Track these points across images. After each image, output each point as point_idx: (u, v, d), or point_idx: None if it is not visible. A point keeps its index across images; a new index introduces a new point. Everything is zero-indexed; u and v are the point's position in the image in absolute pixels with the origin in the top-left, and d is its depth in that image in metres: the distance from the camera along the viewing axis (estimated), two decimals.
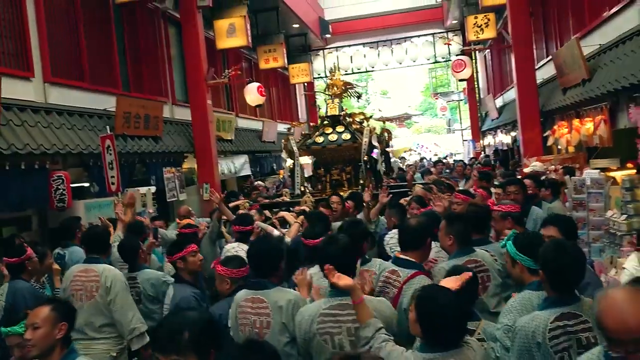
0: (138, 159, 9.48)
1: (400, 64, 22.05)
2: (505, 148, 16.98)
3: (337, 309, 3.01)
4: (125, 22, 10.26)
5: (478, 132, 21.52)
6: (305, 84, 21.62)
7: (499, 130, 17.56)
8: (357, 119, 8.75)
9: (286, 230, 6.03)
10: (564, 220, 3.85)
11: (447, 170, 13.37)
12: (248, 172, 14.80)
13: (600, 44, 8.16)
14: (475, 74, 21.66)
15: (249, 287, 3.52)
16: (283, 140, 9.04)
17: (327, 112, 8.89)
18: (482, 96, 21.24)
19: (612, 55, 7.61)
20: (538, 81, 11.31)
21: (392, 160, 11.32)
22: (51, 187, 7.17)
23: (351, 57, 22.19)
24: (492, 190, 6.62)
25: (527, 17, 10.61)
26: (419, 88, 56.78)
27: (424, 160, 22.76)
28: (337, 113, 8.75)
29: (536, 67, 11.40)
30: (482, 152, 20.35)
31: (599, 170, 6.66)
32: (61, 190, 7.22)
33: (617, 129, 7.55)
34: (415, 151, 32.27)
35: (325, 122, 8.75)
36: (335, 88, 8.84)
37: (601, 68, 7.89)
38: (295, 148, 8.49)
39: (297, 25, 18.80)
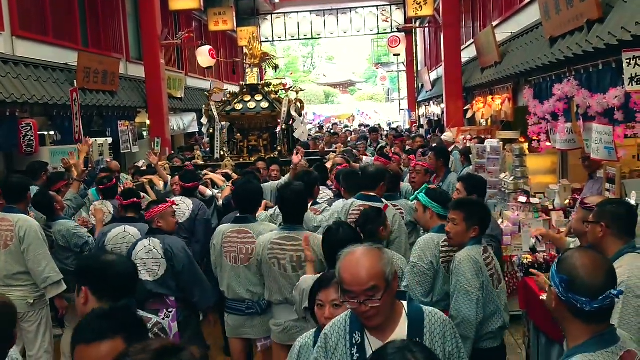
0: (96, 112, 10.21)
1: (345, 33, 23.01)
2: (436, 118, 18.39)
3: (284, 240, 3.76)
4: None
5: (414, 103, 22.85)
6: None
7: (431, 102, 18.93)
8: (276, 89, 9.06)
9: (217, 191, 6.48)
10: (472, 178, 4.81)
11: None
12: (195, 129, 15.60)
13: (512, 32, 9.47)
14: (414, 47, 22.94)
15: (235, 222, 4.17)
16: (204, 106, 9.24)
17: (246, 80, 9.12)
18: (419, 68, 22.53)
19: (519, 42, 8.92)
20: (464, 59, 12.60)
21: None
22: (20, 133, 7.89)
23: (298, 23, 22.94)
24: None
25: (456, 2, 11.81)
26: (364, 56, 57.57)
27: (362, 127, 23.94)
28: (255, 82, 8.96)
29: (463, 47, 12.69)
30: (417, 121, 21.76)
31: (498, 140, 8.00)
32: (29, 137, 7.94)
33: (517, 107, 8.94)
34: (354, 117, 33.59)
35: (244, 90, 8.92)
36: (253, 58, 9.09)
37: (509, 53, 9.21)
38: (215, 114, 8.71)
39: None
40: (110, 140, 10.24)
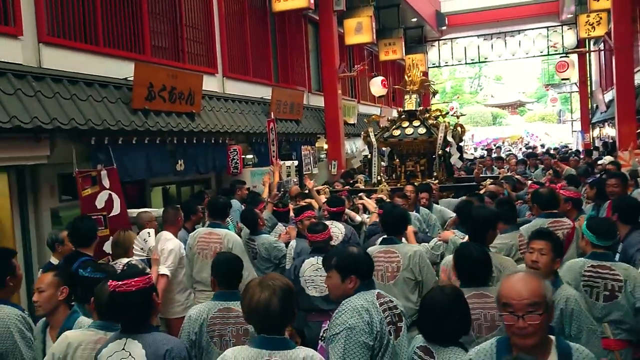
0: (284, 138, 11.80)
1: (513, 55, 23.05)
2: (612, 140, 17.75)
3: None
4: (277, 26, 12.58)
5: (588, 124, 22.10)
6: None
7: (606, 123, 18.31)
8: (434, 115, 9.22)
9: (367, 216, 6.74)
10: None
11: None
12: (367, 152, 16.79)
13: None
14: (588, 67, 22.25)
15: (382, 243, 4.49)
16: (363, 133, 9.48)
17: (404, 106, 9.30)
18: (593, 89, 21.78)
19: None
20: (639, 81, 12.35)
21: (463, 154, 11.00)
22: (229, 157, 9.59)
23: (465, 47, 23.48)
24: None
25: (629, 25, 11.69)
26: (534, 75, 55.57)
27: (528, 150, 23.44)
28: (414, 108, 9.13)
29: (638, 69, 12.43)
30: (592, 144, 21.02)
31: None
32: (235, 160, 9.64)
33: None
34: (523, 139, 32.91)
35: (403, 116, 9.16)
36: (412, 85, 9.25)
37: None
38: (373, 140, 8.98)
39: (415, 19, 20.46)
40: (296, 162, 11.75)
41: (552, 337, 2.26)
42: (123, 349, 2.69)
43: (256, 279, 2.62)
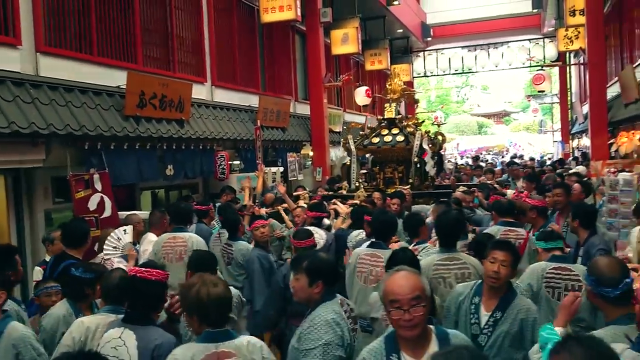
0: (270, 145, 12.18)
1: (496, 66, 23.66)
2: (588, 151, 18.31)
3: (446, 261, 4.05)
4: (265, 37, 12.99)
5: (568, 134, 22.67)
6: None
7: (584, 134, 18.86)
8: (412, 123, 9.34)
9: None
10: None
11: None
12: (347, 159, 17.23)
13: None
14: (569, 79, 22.87)
15: (370, 246, 4.57)
16: (342, 140, 9.64)
17: (384, 114, 9.46)
18: (573, 100, 22.38)
19: None
20: (613, 94, 12.87)
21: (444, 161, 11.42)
22: (216, 163, 9.94)
23: (449, 58, 24.06)
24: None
25: (602, 41, 12.21)
26: (520, 85, 56.28)
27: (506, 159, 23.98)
28: (393, 116, 9.28)
29: (611, 84, 12.96)
30: (572, 154, 21.60)
31: (632, 173, 8.50)
32: (222, 166, 9.98)
33: None
34: (508, 149, 33.54)
35: (382, 124, 9.33)
36: (393, 93, 9.45)
37: None
38: (353, 147, 9.12)
39: (400, 30, 20.93)
40: (281, 169, 12.12)
41: (432, 327, 2.48)
42: (120, 337, 2.89)
43: (198, 276, 2.77)
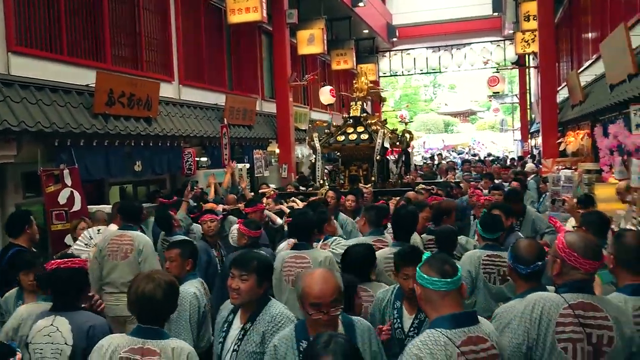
0: (237, 143, 12.55)
1: (459, 67, 24.45)
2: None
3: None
4: (232, 37, 13.34)
5: (527, 134, 23.52)
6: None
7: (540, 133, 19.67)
8: (372, 121, 9.39)
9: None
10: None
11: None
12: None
13: (595, 74, 10.51)
14: (528, 80, 23.73)
15: (294, 249, 4.47)
16: (307, 138, 9.67)
17: (350, 113, 9.50)
18: (532, 100, 23.23)
19: (599, 85, 9.99)
20: (564, 96, 13.60)
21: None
22: (183, 159, 10.28)
23: (414, 58, 24.74)
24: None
25: (552, 45, 12.92)
26: (485, 85, 57.39)
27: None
28: (359, 114, 9.31)
29: (562, 87, 13.69)
30: (531, 152, 22.44)
31: (572, 170, 9.17)
32: (189, 162, 10.33)
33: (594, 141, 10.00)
34: (472, 147, 34.47)
35: (348, 122, 9.40)
36: (359, 91, 9.49)
37: (592, 93, 10.28)
38: (318, 145, 9.13)
39: (366, 31, 21.45)
40: (248, 165, 12.50)
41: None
42: (52, 324, 3.01)
43: (145, 272, 2.87)
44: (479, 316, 2.44)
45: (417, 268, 2.50)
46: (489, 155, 24.46)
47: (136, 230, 5.37)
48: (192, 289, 3.80)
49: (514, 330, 2.51)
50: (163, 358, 2.58)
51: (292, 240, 4.83)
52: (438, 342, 2.26)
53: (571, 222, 6.58)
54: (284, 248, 4.94)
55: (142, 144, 9.07)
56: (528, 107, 23.56)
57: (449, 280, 2.38)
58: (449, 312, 2.36)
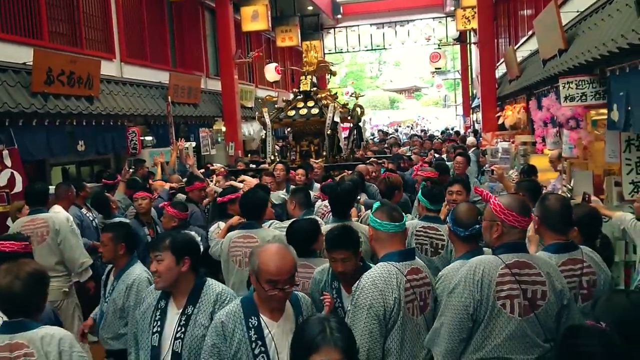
0: (182, 121, 12.45)
1: (403, 44, 24.75)
2: None
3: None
4: (174, 13, 13.13)
5: (469, 109, 24.15)
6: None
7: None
8: (322, 95, 9.24)
9: None
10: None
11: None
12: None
13: (530, 50, 10.94)
14: (469, 56, 24.29)
15: (242, 228, 4.38)
16: (257, 114, 9.50)
17: (299, 87, 9.27)
18: (474, 76, 23.83)
19: (533, 60, 10.42)
20: (504, 71, 14.06)
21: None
22: (127, 138, 10.14)
23: (359, 35, 24.88)
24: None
25: (490, 22, 13.31)
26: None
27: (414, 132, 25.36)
28: (309, 89, 9.13)
29: (500, 62, 14.15)
30: (472, 126, 23.09)
31: (509, 142, 9.57)
32: (134, 141, 10.20)
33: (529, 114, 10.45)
34: (417, 123, 35.15)
35: (298, 97, 9.17)
36: (308, 66, 9.40)
37: (527, 68, 10.71)
38: (268, 120, 8.95)
39: (311, 8, 21.42)
40: (194, 144, 12.42)
41: None
42: None
43: (4, 264, 2.73)
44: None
45: (371, 214, 3.00)
46: (445, 131, 24.87)
47: (46, 212, 5.27)
48: (144, 273, 3.71)
49: (460, 294, 2.66)
50: (32, 349, 2.53)
51: (221, 223, 4.84)
52: (390, 271, 2.80)
53: None
54: (214, 231, 4.89)
55: (84, 123, 8.90)
56: (470, 82, 24.15)
57: (397, 224, 2.93)
58: (396, 249, 2.91)
